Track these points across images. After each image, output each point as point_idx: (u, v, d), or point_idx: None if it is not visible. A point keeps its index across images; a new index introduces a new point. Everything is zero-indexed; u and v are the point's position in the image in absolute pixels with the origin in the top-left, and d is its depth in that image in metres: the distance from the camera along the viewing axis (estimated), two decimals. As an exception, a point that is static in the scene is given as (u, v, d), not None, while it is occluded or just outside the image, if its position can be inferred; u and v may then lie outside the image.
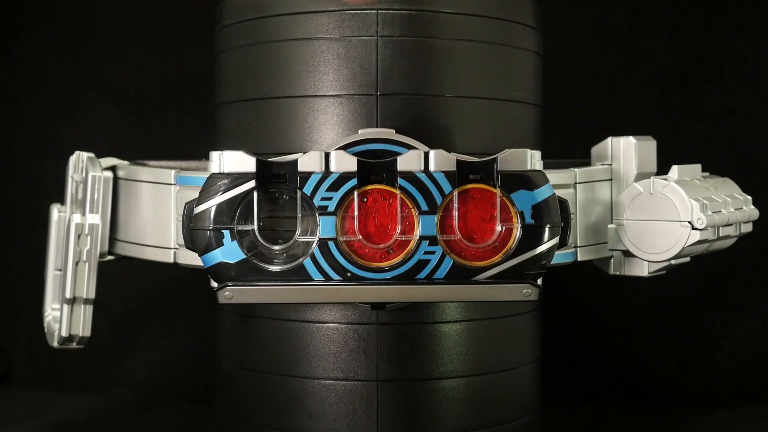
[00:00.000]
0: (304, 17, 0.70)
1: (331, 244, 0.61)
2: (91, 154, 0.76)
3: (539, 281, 0.64)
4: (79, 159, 0.77)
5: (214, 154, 0.63)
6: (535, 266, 0.63)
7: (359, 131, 0.65)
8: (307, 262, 0.62)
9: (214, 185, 0.62)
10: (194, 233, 0.62)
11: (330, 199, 0.61)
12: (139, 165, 0.77)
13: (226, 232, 0.61)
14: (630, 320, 1.13)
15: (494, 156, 0.62)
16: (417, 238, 0.62)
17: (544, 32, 0.78)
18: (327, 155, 0.62)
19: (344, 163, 0.61)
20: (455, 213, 0.61)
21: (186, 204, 0.63)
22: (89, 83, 1.17)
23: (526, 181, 0.62)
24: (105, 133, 1.17)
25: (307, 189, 0.61)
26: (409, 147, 0.64)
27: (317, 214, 0.61)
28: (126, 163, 0.78)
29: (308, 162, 0.62)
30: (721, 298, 1.12)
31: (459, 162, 0.61)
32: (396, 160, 0.62)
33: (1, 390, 1.12)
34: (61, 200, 0.82)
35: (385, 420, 0.70)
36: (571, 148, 0.82)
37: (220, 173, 0.62)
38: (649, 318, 1.12)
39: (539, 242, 0.62)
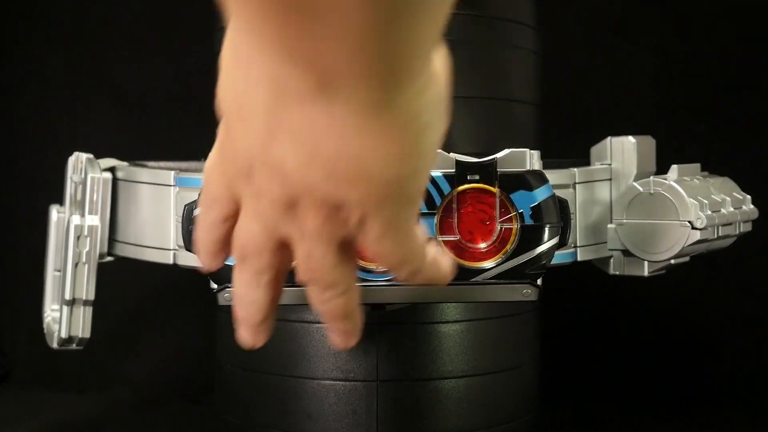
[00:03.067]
0: (304, 17, 0.70)
1: None
2: (90, 155, 0.76)
3: (539, 281, 0.64)
4: (78, 160, 0.77)
5: None
6: (535, 266, 0.62)
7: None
8: None
9: None
10: (194, 236, 0.62)
11: None
12: (139, 166, 0.77)
13: None
14: (630, 320, 1.13)
15: (493, 156, 0.62)
16: None
17: (543, 32, 0.78)
18: None
19: None
20: (455, 214, 0.61)
21: (186, 206, 0.63)
22: (89, 83, 1.17)
23: (526, 181, 0.62)
24: (105, 133, 1.17)
25: None
26: None
27: None
28: (125, 164, 0.78)
29: None
30: (721, 297, 1.12)
31: (458, 162, 0.61)
32: None
33: (1, 390, 1.12)
34: (61, 201, 0.82)
35: (385, 420, 0.70)
36: (571, 148, 0.82)
37: None
38: (649, 318, 1.12)
39: (539, 242, 0.62)
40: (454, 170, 0.61)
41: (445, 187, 0.61)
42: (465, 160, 0.62)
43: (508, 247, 0.62)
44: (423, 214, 0.61)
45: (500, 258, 0.62)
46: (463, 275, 0.62)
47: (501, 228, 0.62)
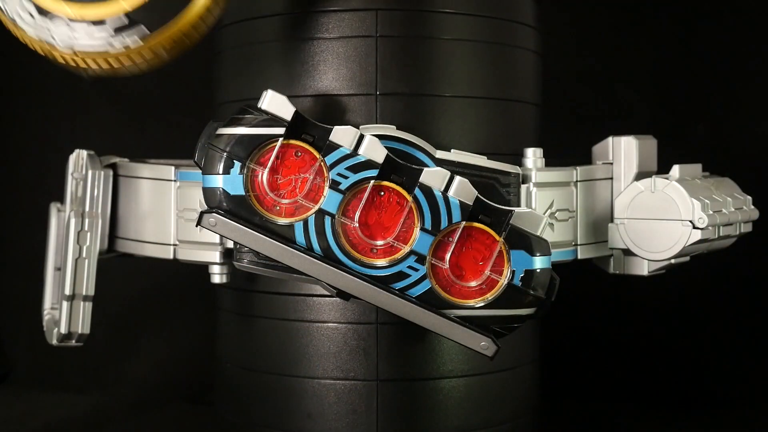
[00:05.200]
0: (304, 17, 0.70)
1: (327, 218, 0.61)
2: (92, 152, 0.76)
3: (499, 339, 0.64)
4: (79, 157, 0.77)
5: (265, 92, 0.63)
6: (503, 325, 0.63)
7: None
8: (298, 225, 0.62)
9: (249, 115, 0.62)
10: (208, 151, 0.62)
11: (346, 177, 0.61)
12: (139, 162, 0.77)
13: (237, 164, 0.61)
14: (630, 320, 1.13)
15: (511, 209, 0.62)
16: (408, 250, 0.62)
17: (543, 32, 0.78)
18: (361, 137, 0.62)
19: (374, 151, 0.62)
20: (453, 243, 0.62)
21: (212, 122, 0.64)
22: (89, 83, 1.17)
23: (530, 244, 0.62)
24: (105, 133, 1.17)
25: (330, 159, 0.61)
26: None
27: (327, 187, 0.61)
28: (126, 160, 0.78)
29: (341, 135, 0.62)
30: (720, 297, 1.12)
31: (477, 199, 0.62)
32: (422, 170, 0.62)
33: (1, 390, 1.12)
34: (61, 200, 0.82)
35: (385, 420, 0.70)
36: (571, 148, 0.82)
37: (260, 108, 0.62)
38: (648, 318, 1.12)
39: (518, 306, 0.62)
40: (470, 204, 0.62)
41: (456, 216, 0.62)
42: (484, 200, 0.62)
43: (487, 296, 0.62)
44: (424, 230, 0.61)
45: (475, 303, 0.62)
46: (435, 303, 0.62)
47: (489, 275, 0.62)
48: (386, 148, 0.62)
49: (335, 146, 0.62)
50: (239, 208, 0.62)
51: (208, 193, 0.62)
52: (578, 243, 0.72)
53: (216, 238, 0.69)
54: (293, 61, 0.70)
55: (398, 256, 0.62)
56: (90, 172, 0.75)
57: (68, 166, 0.79)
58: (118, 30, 0.54)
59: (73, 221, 0.73)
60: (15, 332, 1.17)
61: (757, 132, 1.12)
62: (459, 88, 0.70)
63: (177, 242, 0.72)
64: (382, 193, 0.62)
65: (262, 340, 0.73)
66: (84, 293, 0.73)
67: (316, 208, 0.62)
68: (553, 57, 0.88)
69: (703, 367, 1.11)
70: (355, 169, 0.61)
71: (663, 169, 0.74)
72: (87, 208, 0.74)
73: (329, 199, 0.61)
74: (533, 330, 0.78)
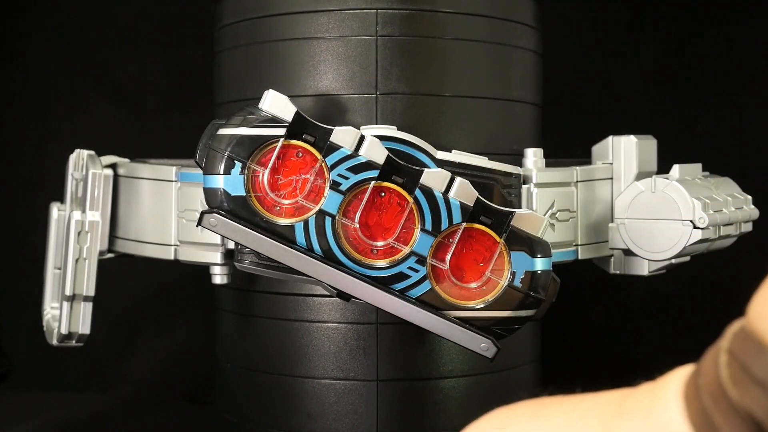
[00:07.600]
0: (304, 17, 0.70)
1: (328, 219, 0.62)
2: (92, 152, 0.76)
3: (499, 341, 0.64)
4: (79, 157, 0.77)
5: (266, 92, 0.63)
6: (503, 327, 0.63)
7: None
8: (298, 226, 0.62)
9: (250, 116, 0.62)
10: (209, 152, 0.62)
11: (347, 178, 0.62)
12: (140, 162, 0.77)
13: (238, 165, 0.62)
14: (630, 320, 1.13)
15: (512, 210, 0.62)
16: (408, 251, 0.62)
17: (543, 32, 0.78)
18: (361, 138, 0.62)
19: (374, 151, 0.62)
20: (453, 245, 0.62)
21: (213, 122, 0.64)
22: (89, 82, 1.17)
23: (531, 245, 0.62)
24: (105, 132, 1.17)
25: (330, 160, 0.62)
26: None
27: (328, 187, 0.61)
28: (126, 160, 0.78)
29: (342, 136, 0.62)
30: (721, 297, 1.12)
31: (478, 200, 0.62)
32: (423, 171, 0.62)
33: (1, 390, 1.12)
34: (61, 201, 0.82)
35: (385, 420, 0.70)
36: (571, 147, 0.82)
37: (260, 108, 0.62)
38: (648, 318, 1.12)
39: (518, 307, 0.62)
40: (471, 205, 0.62)
41: (457, 217, 0.62)
42: (485, 202, 0.62)
43: (487, 297, 0.62)
44: (425, 231, 0.61)
45: (475, 304, 0.62)
46: (435, 304, 0.62)
47: (489, 277, 0.62)
48: (387, 148, 0.62)
49: (336, 147, 0.62)
50: (240, 209, 0.62)
51: (209, 193, 0.62)
52: (579, 243, 0.72)
53: (217, 239, 0.69)
54: (293, 61, 0.70)
55: (398, 257, 0.62)
56: (90, 173, 0.75)
57: (68, 166, 0.79)
58: None
59: (73, 222, 0.73)
60: (15, 332, 1.16)
61: (756, 132, 1.12)
62: (459, 88, 0.70)
63: (178, 243, 0.72)
64: (383, 194, 0.62)
65: (262, 340, 0.73)
66: (84, 293, 0.73)
67: (317, 208, 0.62)
68: (553, 57, 0.88)
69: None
70: (355, 170, 0.61)
71: (663, 169, 0.74)
72: (87, 209, 0.74)
73: (330, 200, 0.61)
74: (534, 330, 0.78)
